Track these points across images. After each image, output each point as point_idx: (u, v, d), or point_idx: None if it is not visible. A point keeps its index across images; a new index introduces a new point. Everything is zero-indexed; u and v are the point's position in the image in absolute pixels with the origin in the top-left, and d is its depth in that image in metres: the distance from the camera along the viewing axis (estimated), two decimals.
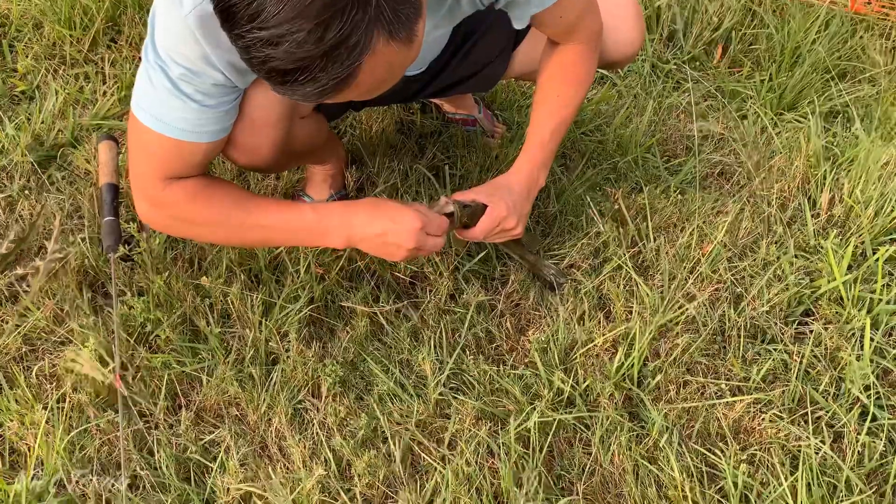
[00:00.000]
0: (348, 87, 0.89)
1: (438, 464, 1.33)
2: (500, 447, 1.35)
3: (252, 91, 1.21)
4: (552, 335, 1.51)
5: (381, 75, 0.91)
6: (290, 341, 1.45)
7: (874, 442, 1.38)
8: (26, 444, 1.32)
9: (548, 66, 1.44)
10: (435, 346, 1.49)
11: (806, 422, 1.41)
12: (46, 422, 1.31)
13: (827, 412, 1.43)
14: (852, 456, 1.36)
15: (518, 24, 1.31)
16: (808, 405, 1.43)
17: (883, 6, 2.50)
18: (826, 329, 1.55)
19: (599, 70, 1.87)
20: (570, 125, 1.47)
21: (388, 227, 1.24)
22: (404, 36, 0.88)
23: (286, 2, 0.79)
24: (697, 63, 2.31)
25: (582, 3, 1.32)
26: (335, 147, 1.71)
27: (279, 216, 1.25)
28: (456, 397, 1.42)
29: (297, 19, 0.79)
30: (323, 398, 1.40)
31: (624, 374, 1.46)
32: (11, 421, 1.32)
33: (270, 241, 1.32)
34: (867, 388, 1.45)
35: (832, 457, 1.36)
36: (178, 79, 1.10)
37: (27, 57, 2.05)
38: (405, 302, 1.57)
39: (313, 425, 1.37)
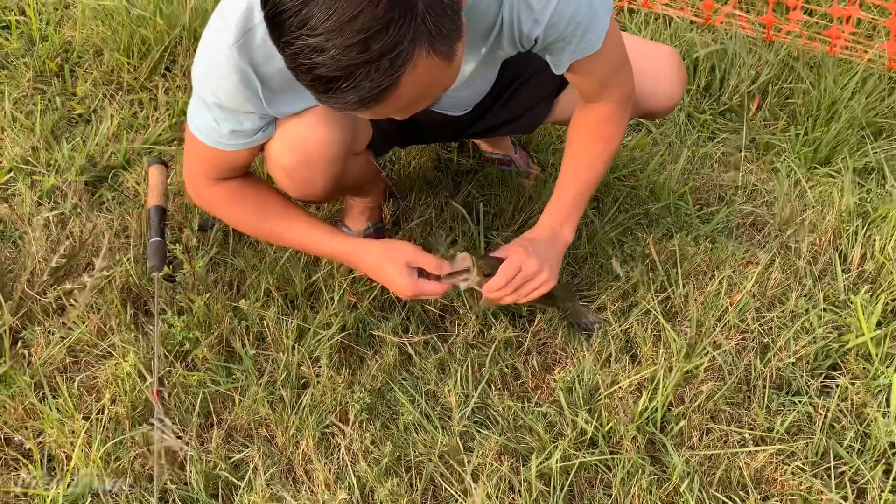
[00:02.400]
0: (388, 98, 0.93)
1: (460, 496, 1.35)
2: (521, 483, 1.37)
3: (311, 128, 1.29)
4: (578, 375, 1.53)
5: (420, 90, 0.96)
6: (321, 366, 1.49)
7: None
8: (64, 451, 1.37)
9: (576, 123, 1.47)
10: (461, 380, 1.51)
11: (829, 476, 1.41)
12: (85, 432, 1.37)
13: (851, 467, 1.43)
14: None
15: (557, 70, 1.36)
16: (832, 459, 1.43)
17: None
18: (853, 384, 1.56)
19: (638, 119, 1.90)
20: (597, 183, 1.49)
21: (387, 284, 1.39)
22: (444, 51, 0.93)
23: (334, 10, 0.84)
24: (733, 115, 2.34)
25: (616, 61, 1.36)
26: (377, 181, 1.76)
27: (303, 236, 1.41)
28: (480, 431, 1.44)
29: (345, 27, 0.84)
30: (350, 424, 1.44)
31: (647, 417, 1.48)
32: (52, 429, 1.38)
33: (296, 247, 1.53)
34: (893, 444, 1.45)
35: None
36: (211, 105, 1.22)
37: (86, 82, 2.15)
38: (434, 334, 1.61)
39: (339, 450, 1.40)
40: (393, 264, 1.35)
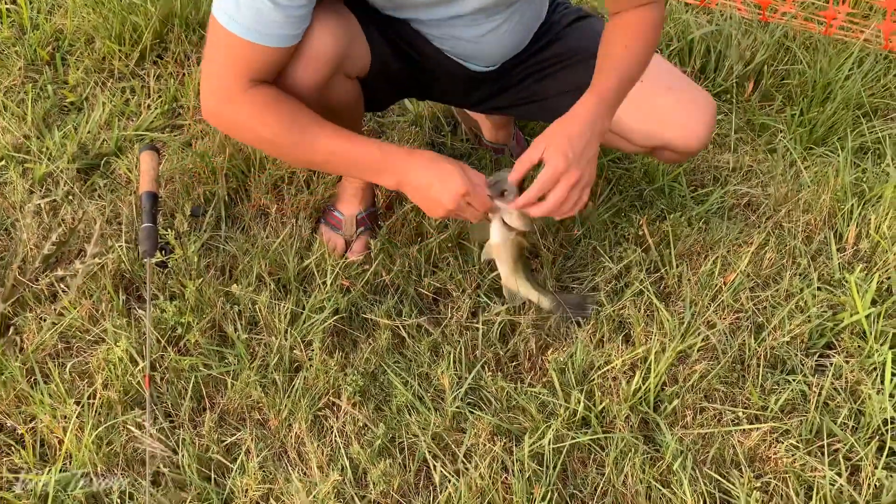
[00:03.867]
0: None
1: (453, 476, 1.35)
2: (514, 463, 1.36)
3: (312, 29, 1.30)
4: (571, 356, 1.52)
5: None
6: (313, 350, 1.49)
7: (891, 476, 1.37)
8: (57, 437, 1.37)
9: (614, 26, 1.41)
10: (454, 362, 1.51)
11: (823, 453, 1.41)
12: (77, 416, 1.37)
13: (844, 445, 1.42)
14: (868, 489, 1.35)
15: None
16: (826, 437, 1.43)
17: None
18: (847, 362, 1.55)
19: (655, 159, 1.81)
20: (636, 79, 1.41)
21: (434, 183, 1.31)
22: None
23: None
24: (728, 96, 2.33)
25: None
26: (357, 118, 1.66)
27: (347, 145, 1.32)
28: (472, 412, 1.44)
29: None
30: (343, 407, 1.44)
31: (641, 397, 1.47)
32: (44, 414, 1.38)
33: (329, 165, 1.37)
34: (886, 422, 1.44)
35: (848, 489, 1.35)
36: None
37: (78, 70, 2.14)
38: (427, 317, 1.60)
39: (332, 432, 1.40)
40: (452, 162, 1.32)
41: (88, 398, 1.41)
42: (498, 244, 1.45)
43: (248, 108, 1.28)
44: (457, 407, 1.44)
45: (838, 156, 2.07)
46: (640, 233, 1.76)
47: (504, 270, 1.50)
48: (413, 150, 1.35)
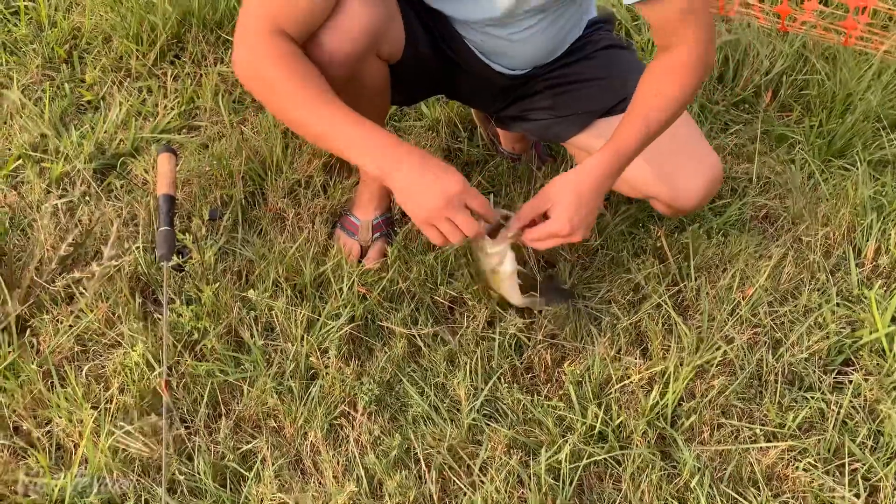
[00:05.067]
0: None
1: (468, 489, 1.34)
2: (530, 477, 1.36)
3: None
4: (588, 369, 1.52)
5: None
6: (329, 357, 1.49)
7: None
8: (73, 441, 1.36)
9: (651, 68, 1.37)
10: (470, 372, 1.51)
11: (841, 473, 1.40)
12: (93, 421, 1.36)
13: (863, 465, 1.41)
14: None
15: None
16: (845, 456, 1.42)
17: None
18: (866, 380, 1.54)
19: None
20: (666, 127, 1.37)
21: (425, 178, 1.23)
22: None
23: None
24: (746, 105, 2.31)
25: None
26: (383, 107, 1.63)
27: (347, 119, 1.24)
28: (489, 424, 1.44)
29: None
30: (358, 416, 1.43)
31: (658, 412, 1.46)
32: (60, 418, 1.38)
33: (325, 136, 1.27)
34: None
35: None
36: None
37: (95, 69, 2.14)
38: (443, 326, 1.60)
39: (348, 442, 1.40)
40: (446, 164, 1.26)
41: (105, 402, 1.41)
42: (513, 272, 1.44)
43: (268, 55, 1.24)
44: (473, 419, 1.43)
45: (857, 169, 2.06)
46: (658, 244, 1.75)
47: (514, 295, 1.51)
48: (408, 144, 1.27)
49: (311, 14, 1.28)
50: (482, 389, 1.48)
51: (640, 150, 1.36)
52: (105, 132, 1.96)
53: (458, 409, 1.46)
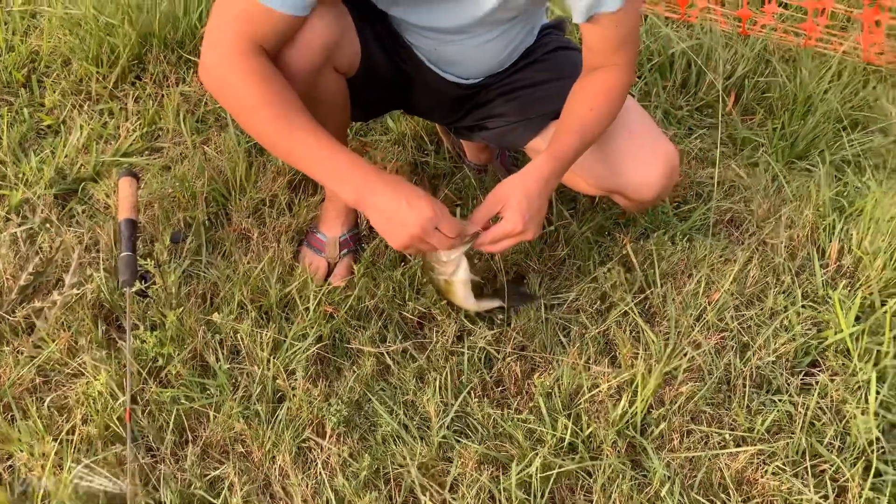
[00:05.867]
0: None
1: None
2: (501, 492, 1.35)
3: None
4: (557, 380, 1.52)
5: None
6: (297, 379, 1.47)
7: (878, 498, 1.37)
8: (35, 475, 1.34)
9: (586, 83, 1.47)
10: (440, 388, 1.50)
11: (809, 475, 1.40)
12: (56, 454, 1.34)
13: (831, 466, 1.42)
14: None
15: (577, 17, 1.37)
16: (813, 458, 1.43)
17: None
18: (832, 381, 1.55)
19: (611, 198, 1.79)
20: (598, 138, 1.47)
21: (400, 206, 1.28)
22: None
23: None
24: (710, 110, 2.33)
25: (635, 23, 1.39)
26: (343, 121, 1.64)
27: (323, 142, 1.28)
28: (459, 440, 1.43)
29: None
30: (327, 437, 1.42)
31: (628, 421, 1.47)
32: (22, 451, 1.35)
33: (296, 158, 1.30)
34: (872, 442, 1.44)
35: None
36: None
37: (55, 93, 2.11)
38: (412, 342, 1.59)
39: (316, 464, 1.38)
40: (419, 189, 1.31)
41: (67, 434, 1.39)
42: (466, 280, 1.48)
43: (242, 71, 1.25)
44: (443, 436, 1.42)
45: (819, 170, 2.08)
46: (624, 251, 1.75)
47: (469, 302, 1.54)
48: (382, 171, 1.32)
49: (286, 30, 1.29)
50: (452, 405, 1.47)
51: (577, 157, 1.45)
52: (66, 157, 1.94)
53: (428, 427, 1.45)
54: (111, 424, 1.40)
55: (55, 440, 1.37)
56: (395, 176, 1.32)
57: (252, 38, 1.26)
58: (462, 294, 1.51)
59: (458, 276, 1.48)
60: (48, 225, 1.77)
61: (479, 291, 1.56)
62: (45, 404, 1.43)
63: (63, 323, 1.54)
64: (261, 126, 1.29)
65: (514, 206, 1.37)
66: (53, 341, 1.50)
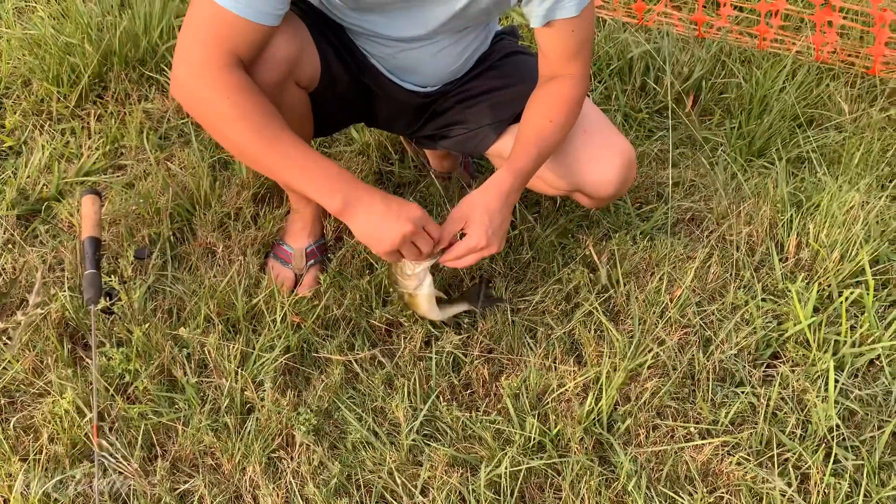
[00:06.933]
0: None
1: None
2: (471, 493, 1.37)
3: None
4: (524, 380, 1.53)
5: None
6: (265, 390, 1.48)
7: (839, 483, 1.40)
8: (2, 496, 1.33)
9: (543, 94, 1.50)
10: (409, 394, 1.51)
11: (773, 464, 1.43)
12: (23, 473, 1.33)
13: (793, 454, 1.45)
14: (818, 497, 1.38)
15: (535, 22, 1.40)
16: (775, 447, 1.46)
17: (848, 55, 2.59)
18: (793, 371, 1.59)
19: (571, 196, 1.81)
20: (556, 148, 1.51)
21: (391, 207, 1.33)
22: None
23: None
24: (669, 112, 2.38)
25: (590, 32, 1.44)
26: (306, 129, 1.66)
27: (308, 153, 1.30)
28: (428, 444, 1.44)
29: None
30: (297, 447, 1.42)
31: (595, 418, 1.49)
32: None
33: (281, 171, 1.30)
34: (832, 429, 1.48)
35: (798, 499, 1.38)
36: None
37: (15, 113, 2.10)
38: (380, 348, 1.60)
39: (286, 474, 1.39)
40: (403, 199, 1.35)
41: (34, 454, 1.38)
42: (430, 294, 1.52)
43: (221, 85, 1.24)
44: (412, 440, 1.43)
45: (776, 167, 2.13)
46: (587, 252, 1.78)
47: (434, 314, 1.57)
48: (367, 184, 1.36)
49: (259, 40, 1.29)
50: (421, 410, 1.49)
51: (537, 169, 1.48)
52: (28, 177, 1.93)
53: (397, 432, 1.46)
54: (78, 442, 1.39)
55: (22, 460, 1.36)
56: (379, 190, 1.36)
57: (225, 50, 1.25)
58: (426, 307, 1.53)
59: (422, 291, 1.50)
60: (11, 246, 1.76)
61: (443, 300, 1.58)
62: (11, 425, 1.42)
63: (28, 343, 1.53)
64: (240, 139, 1.27)
65: (476, 222, 1.41)
66: (18, 362, 1.49)
